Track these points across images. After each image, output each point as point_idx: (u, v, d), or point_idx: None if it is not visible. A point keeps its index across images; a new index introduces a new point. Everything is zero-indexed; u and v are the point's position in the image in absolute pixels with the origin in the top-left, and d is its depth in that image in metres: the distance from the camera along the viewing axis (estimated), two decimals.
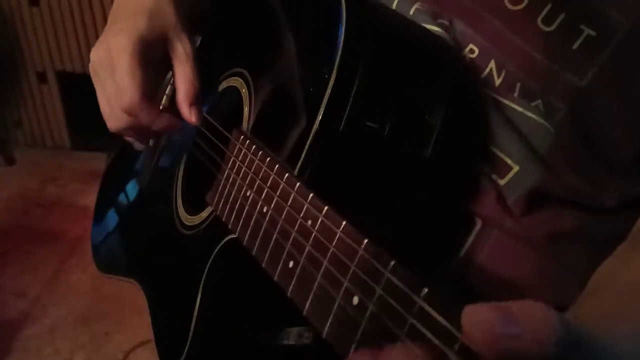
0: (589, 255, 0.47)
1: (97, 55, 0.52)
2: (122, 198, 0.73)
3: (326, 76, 0.40)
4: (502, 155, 0.46)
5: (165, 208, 0.59)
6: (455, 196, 0.48)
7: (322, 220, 0.34)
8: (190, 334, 0.48)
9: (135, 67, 0.50)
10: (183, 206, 0.57)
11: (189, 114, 0.52)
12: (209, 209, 0.52)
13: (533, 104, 0.44)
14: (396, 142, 0.42)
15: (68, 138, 2.36)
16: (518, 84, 0.44)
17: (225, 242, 0.47)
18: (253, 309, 0.47)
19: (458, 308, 0.22)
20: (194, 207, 0.55)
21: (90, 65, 0.53)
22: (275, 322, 0.45)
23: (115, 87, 0.51)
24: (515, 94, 0.44)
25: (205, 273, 0.47)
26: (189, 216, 0.55)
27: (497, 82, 0.45)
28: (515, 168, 0.46)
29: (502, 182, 0.46)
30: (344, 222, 0.32)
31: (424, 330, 0.24)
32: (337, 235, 0.32)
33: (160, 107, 0.55)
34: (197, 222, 0.53)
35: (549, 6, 0.42)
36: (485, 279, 0.48)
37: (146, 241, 0.65)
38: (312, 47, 0.45)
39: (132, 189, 0.72)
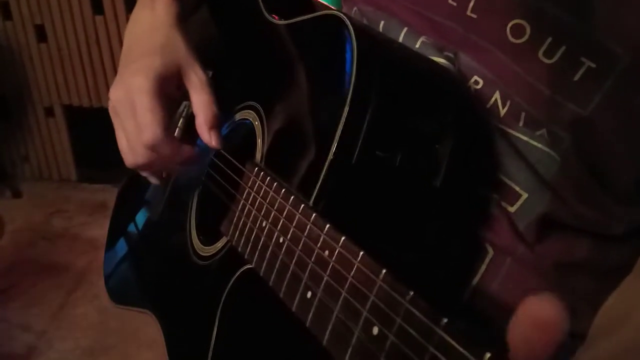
0: (597, 284, 0.47)
1: (116, 95, 0.54)
2: (134, 228, 0.74)
3: (339, 109, 0.41)
4: (510, 183, 0.47)
5: (180, 238, 0.60)
6: (467, 225, 0.48)
7: (339, 251, 0.35)
8: None
9: (156, 105, 0.52)
10: (197, 237, 0.58)
11: (209, 138, 0.54)
12: (223, 240, 0.52)
13: (538, 133, 0.45)
14: (407, 172, 0.43)
15: (74, 171, 2.38)
16: (523, 114, 0.45)
17: (241, 272, 0.47)
18: (272, 340, 0.47)
19: (478, 338, 0.23)
20: (208, 237, 0.56)
21: (109, 104, 0.55)
22: (295, 353, 0.45)
23: (136, 125, 0.53)
24: (520, 124, 0.45)
25: (221, 304, 0.48)
26: (203, 247, 0.56)
27: (502, 112, 0.46)
28: (524, 195, 0.46)
29: (512, 209, 0.47)
30: (361, 253, 0.33)
31: None
32: (355, 266, 0.33)
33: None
34: (212, 253, 0.54)
35: (549, 40, 0.43)
36: (497, 307, 0.48)
37: (160, 272, 0.65)
38: (324, 80, 0.46)
39: (144, 218, 0.72)
